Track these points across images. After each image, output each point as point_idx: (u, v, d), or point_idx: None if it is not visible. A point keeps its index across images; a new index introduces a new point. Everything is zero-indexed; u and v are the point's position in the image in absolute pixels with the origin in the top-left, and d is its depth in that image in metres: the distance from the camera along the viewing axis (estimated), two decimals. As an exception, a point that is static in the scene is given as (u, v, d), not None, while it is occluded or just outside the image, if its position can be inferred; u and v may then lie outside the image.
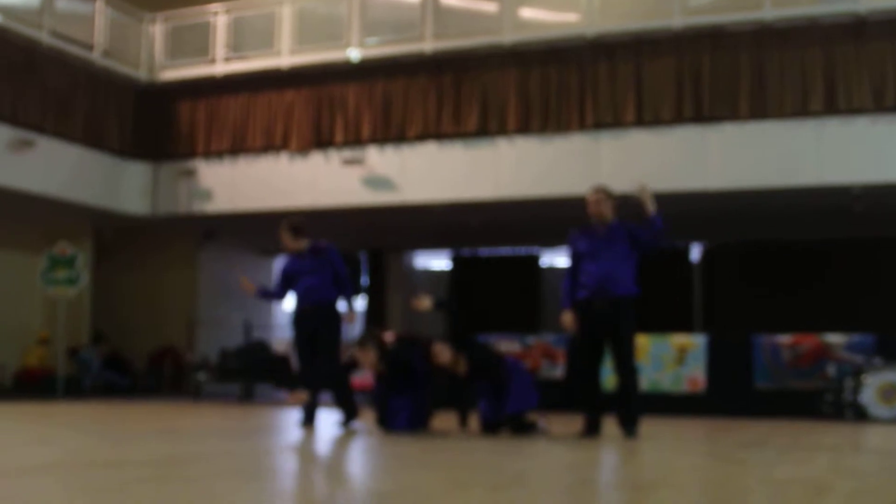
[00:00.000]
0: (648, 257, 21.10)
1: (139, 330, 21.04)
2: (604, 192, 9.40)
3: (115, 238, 20.97)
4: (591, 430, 9.21)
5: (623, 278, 9.17)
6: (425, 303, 9.71)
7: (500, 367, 9.37)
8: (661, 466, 6.91)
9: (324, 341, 10.25)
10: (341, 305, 10.52)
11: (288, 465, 6.81)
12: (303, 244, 10.53)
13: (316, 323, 10.28)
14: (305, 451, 7.79)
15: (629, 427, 9.09)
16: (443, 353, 9.21)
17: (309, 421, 10.09)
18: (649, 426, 10.43)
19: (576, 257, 9.40)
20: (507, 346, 14.72)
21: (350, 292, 10.61)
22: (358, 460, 7.16)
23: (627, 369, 9.19)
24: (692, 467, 6.91)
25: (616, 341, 9.17)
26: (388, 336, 14.96)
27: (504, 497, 5.04)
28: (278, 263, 9.99)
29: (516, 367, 9.67)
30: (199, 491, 5.04)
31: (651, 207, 9.21)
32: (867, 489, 5.51)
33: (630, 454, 7.82)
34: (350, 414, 10.04)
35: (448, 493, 5.16)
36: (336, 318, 10.41)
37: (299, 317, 10.42)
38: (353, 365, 9.74)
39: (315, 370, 10.31)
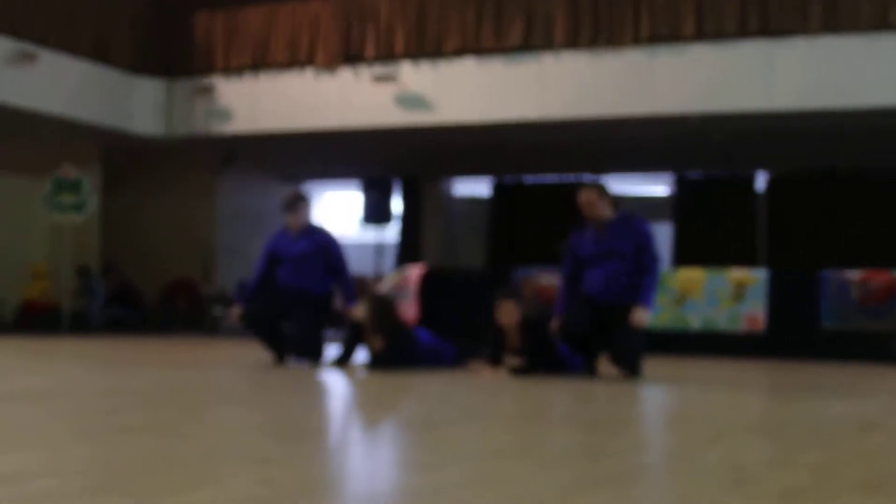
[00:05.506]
0: (711, 185, 20.99)
1: (152, 262, 21.28)
2: (595, 192, 9.08)
3: (126, 162, 21.18)
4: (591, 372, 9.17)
5: (627, 285, 8.89)
6: None
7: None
8: (698, 403, 7.08)
9: (300, 321, 10.02)
10: (335, 298, 10.31)
11: (280, 395, 7.02)
12: (299, 221, 10.23)
13: (296, 305, 10.03)
14: (304, 383, 8.01)
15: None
16: (512, 313, 9.12)
17: (280, 360, 10.00)
18: (698, 368, 10.59)
19: (574, 262, 9.22)
20: (548, 279, 14.87)
21: (349, 287, 10.31)
22: (362, 395, 7.35)
23: (627, 365, 8.89)
24: (732, 404, 7.07)
25: (613, 339, 8.94)
26: (420, 269, 15.17)
27: (522, 429, 5.24)
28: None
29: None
30: (182, 415, 5.32)
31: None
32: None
33: (669, 392, 8.01)
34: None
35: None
36: (325, 311, 10.26)
37: (274, 294, 10.19)
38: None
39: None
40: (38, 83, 16.82)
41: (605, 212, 9.04)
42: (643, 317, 8.82)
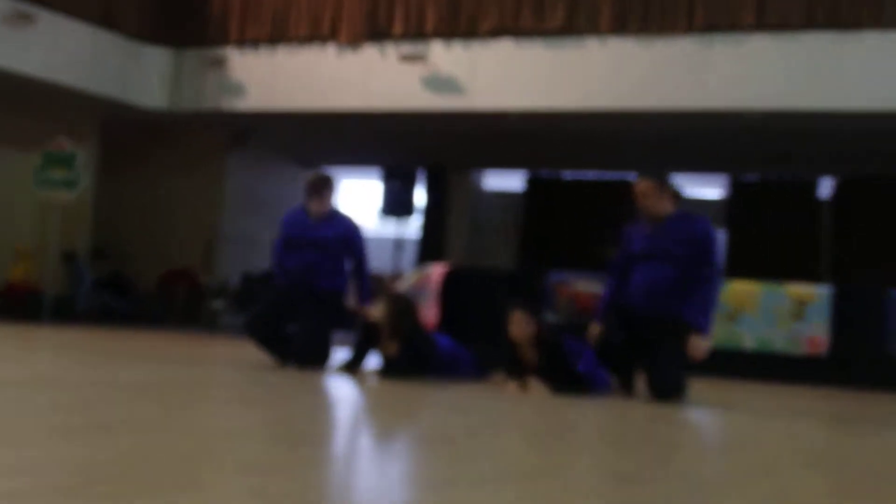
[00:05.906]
0: (769, 189, 20.80)
1: (150, 248, 21.26)
2: (654, 183, 8.80)
3: (126, 137, 21.18)
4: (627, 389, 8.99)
5: (672, 294, 8.58)
6: None
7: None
8: (749, 431, 6.99)
9: (305, 323, 9.88)
10: (349, 295, 10.10)
11: (279, 397, 6.97)
12: (323, 207, 10.08)
13: (303, 304, 9.91)
14: (308, 386, 7.96)
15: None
16: (524, 326, 8.91)
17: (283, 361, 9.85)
18: (751, 392, 10.49)
19: (624, 258, 8.96)
20: (585, 286, 14.75)
21: (366, 283, 10.15)
22: (371, 402, 7.30)
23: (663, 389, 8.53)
24: (787, 434, 6.97)
25: (651, 360, 8.65)
26: (443, 267, 15.10)
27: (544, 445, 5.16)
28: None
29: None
30: (167, 413, 5.29)
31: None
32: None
33: (716, 417, 7.92)
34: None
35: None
36: (336, 310, 10.07)
37: (282, 288, 10.09)
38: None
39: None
40: (35, 47, 16.82)
41: (662, 206, 8.78)
42: (701, 347, 8.41)
